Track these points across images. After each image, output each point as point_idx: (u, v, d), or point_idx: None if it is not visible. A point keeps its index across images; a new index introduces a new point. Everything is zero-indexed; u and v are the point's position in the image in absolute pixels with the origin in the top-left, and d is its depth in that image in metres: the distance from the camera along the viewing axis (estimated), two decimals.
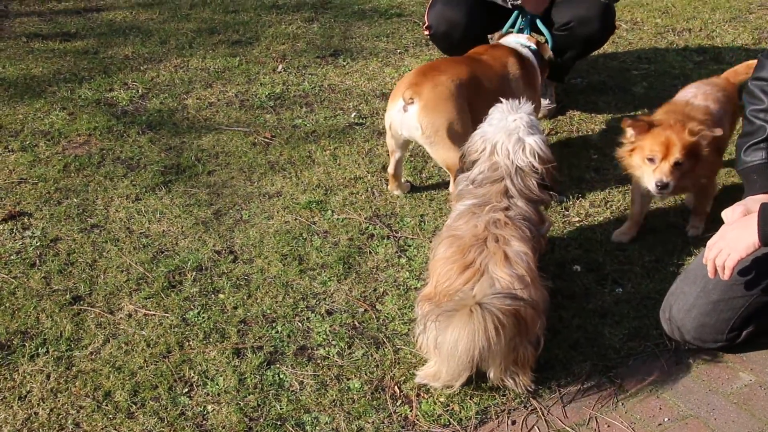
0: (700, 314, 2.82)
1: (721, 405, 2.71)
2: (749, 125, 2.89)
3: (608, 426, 2.63)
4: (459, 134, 3.35)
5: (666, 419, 2.66)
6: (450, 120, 3.39)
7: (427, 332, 2.61)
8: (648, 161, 3.11)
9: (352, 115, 4.43)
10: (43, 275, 3.22)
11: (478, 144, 2.96)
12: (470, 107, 3.44)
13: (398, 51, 5.26)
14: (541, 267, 2.79)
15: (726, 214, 2.75)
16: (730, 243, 2.62)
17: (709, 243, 2.70)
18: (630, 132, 3.20)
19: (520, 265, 2.61)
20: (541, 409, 2.69)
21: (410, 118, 3.41)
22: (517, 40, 3.90)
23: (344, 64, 5.06)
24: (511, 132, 2.88)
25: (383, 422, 2.62)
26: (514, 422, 2.63)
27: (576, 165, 3.99)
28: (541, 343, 2.65)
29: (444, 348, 2.46)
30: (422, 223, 3.58)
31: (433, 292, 2.66)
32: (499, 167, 2.87)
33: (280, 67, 5.00)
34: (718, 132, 3.14)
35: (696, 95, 3.47)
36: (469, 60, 3.69)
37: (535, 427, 2.63)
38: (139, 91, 4.64)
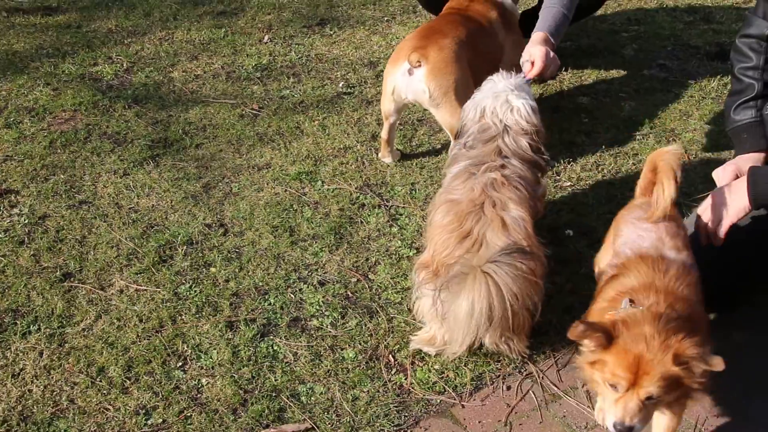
0: None
1: None
2: (738, 83, 2.87)
3: None
4: (464, 96, 3.35)
5: None
6: (457, 82, 3.41)
7: (423, 299, 2.61)
8: (610, 386, 2.08)
9: (340, 85, 4.39)
10: (32, 253, 3.20)
11: (469, 110, 2.98)
12: (469, 67, 3.45)
13: (385, 18, 5.20)
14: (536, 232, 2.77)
15: (717, 174, 2.74)
16: (720, 209, 2.61)
17: (699, 210, 2.69)
18: (587, 342, 2.11)
19: (518, 231, 2.59)
20: (536, 373, 2.69)
21: (417, 81, 3.41)
22: None
23: (331, 33, 5.00)
24: (498, 94, 2.91)
25: (378, 391, 2.62)
26: (509, 387, 2.63)
27: (566, 129, 3.96)
28: (539, 309, 2.64)
29: (460, 313, 2.42)
30: (413, 192, 3.56)
31: (431, 260, 2.64)
32: (489, 127, 2.87)
33: (267, 37, 4.94)
34: (718, 366, 1.97)
35: (661, 239, 2.44)
36: (463, 19, 3.68)
37: (530, 391, 2.63)
38: (124, 65, 4.58)
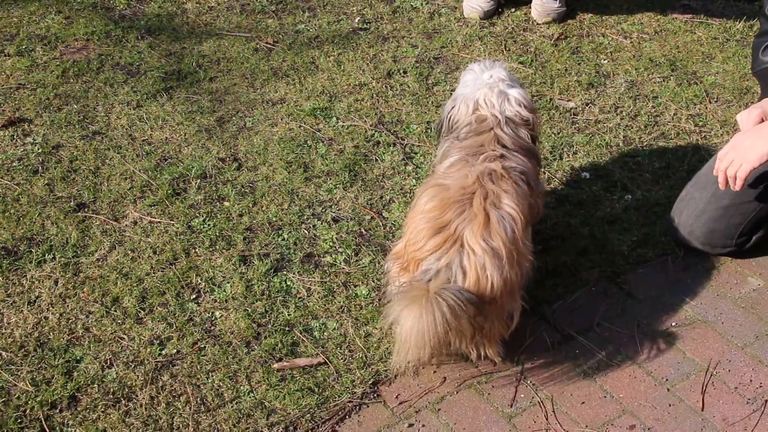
0: (710, 219, 2.79)
1: (728, 309, 2.71)
2: (767, 23, 2.79)
3: (615, 332, 2.64)
4: None
5: (673, 324, 2.67)
6: None
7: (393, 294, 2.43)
8: None
9: (356, 20, 4.31)
10: (46, 182, 3.19)
11: (459, 105, 2.70)
12: None
13: None
14: (537, 231, 2.68)
15: (741, 117, 2.68)
16: (741, 153, 2.56)
17: (720, 154, 2.65)
18: None
19: (499, 234, 2.31)
20: (548, 314, 2.69)
21: None
22: None
23: None
24: (491, 86, 2.66)
25: (391, 328, 2.62)
26: (521, 327, 2.63)
27: (586, 71, 3.89)
28: (515, 319, 2.44)
29: (400, 336, 2.26)
30: (428, 130, 3.52)
31: (403, 252, 2.42)
32: (486, 118, 2.61)
33: None
34: None
35: None
36: None
37: (543, 332, 2.64)
38: None
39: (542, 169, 3.04)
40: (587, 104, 3.68)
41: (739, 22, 4.24)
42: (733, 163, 2.58)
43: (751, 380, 2.48)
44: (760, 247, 2.88)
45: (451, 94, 3.71)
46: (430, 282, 2.24)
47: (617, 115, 3.61)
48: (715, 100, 3.69)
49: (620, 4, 4.43)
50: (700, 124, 3.55)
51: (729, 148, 2.62)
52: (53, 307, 2.68)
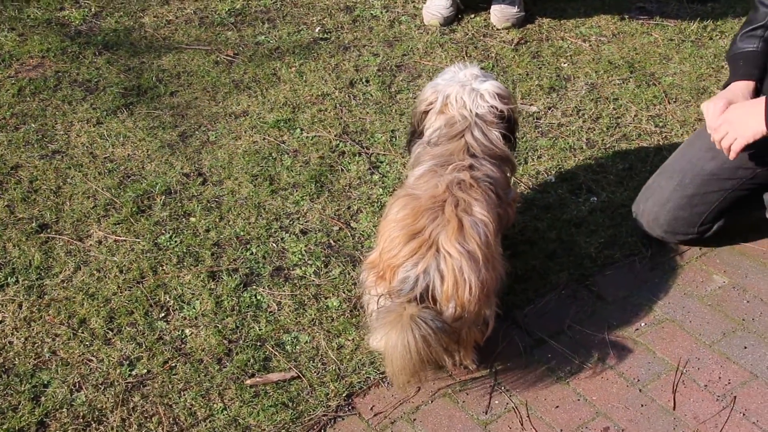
0: (674, 207, 2.85)
1: (695, 308, 2.75)
2: (754, 12, 2.83)
3: (586, 334, 2.66)
4: None
5: (642, 324, 2.70)
6: None
7: (371, 303, 2.45)
8: None
9: (316, 30, 4.30)
10: (6, 204, 3.12)
11: (428, 95, 2.71)
12: None
13: None
14: (505, 236, 2.71)
15: (707, 107, 2.72)
16: (736, 127, 2.60)
17: (713, 126, 2.67)
18: None
19: (474, 238, 2.32)
20: (520, 319, 2.71)
21: None
22: None
23: None
24: (464, 83, 2.66)
25: (363, 339, 2.62)
26: (493, 333, 2.64)
27: (546, 75, 3.93)
28: (490, 324, 2.44)
29: (386, 353, 2.29)
30: (393, 139, 3.52)
31: (378, 260, 2.41)
32: (456, 121, 2.60)
33: None
34: None
35: None
36: None
37: (515, 337, 2.65)
38: (92, 9, 4.44)
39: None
40: (549, 108, 3.71)
41: (694, 23, 4.31)
42: (727, 135, 2.62)
43: (719, 377, 2.52)
44: (722, 243, 2.94)
45: (414, 101, 3.72)
46: (406, 307, 2.25)
47: (579, 118, 3.64)
48: (674, 100, 3.75)
49: (578, 7, 4.48)
50: (661, 124, 3.60)
51: (722, 121, 2.63)
52: (18, 332, 2.62)
